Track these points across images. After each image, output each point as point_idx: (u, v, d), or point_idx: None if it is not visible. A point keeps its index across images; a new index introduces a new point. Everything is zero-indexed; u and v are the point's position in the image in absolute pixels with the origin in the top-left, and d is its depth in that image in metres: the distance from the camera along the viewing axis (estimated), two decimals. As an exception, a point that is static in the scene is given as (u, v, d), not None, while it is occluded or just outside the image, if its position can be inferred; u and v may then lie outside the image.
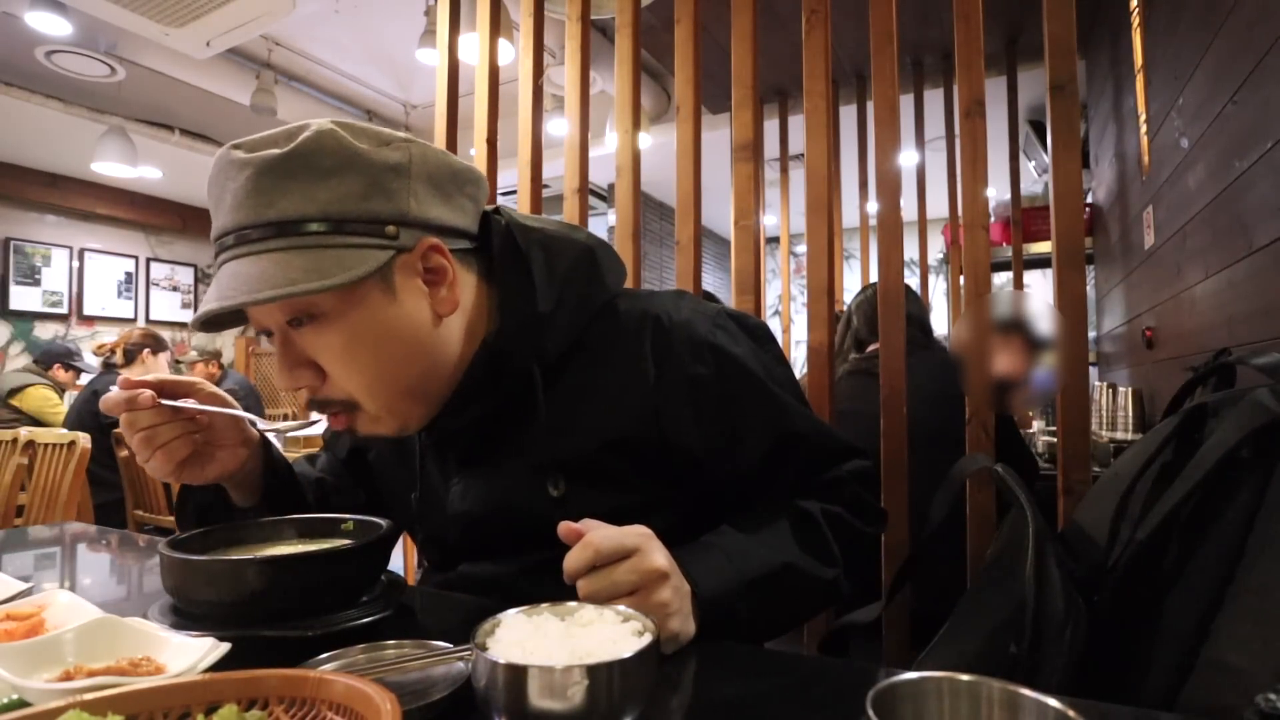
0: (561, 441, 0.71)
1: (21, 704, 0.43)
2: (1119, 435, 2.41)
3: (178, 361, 5.35)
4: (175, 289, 6.03)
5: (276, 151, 0.60)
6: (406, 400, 0.68)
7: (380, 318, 0.64)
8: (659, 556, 0.56)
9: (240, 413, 0.70)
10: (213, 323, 0.65)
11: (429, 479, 0.80)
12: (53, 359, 3.79)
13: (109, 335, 5.17)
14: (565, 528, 0.56)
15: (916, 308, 1.80)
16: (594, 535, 0.55)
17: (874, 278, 1.84)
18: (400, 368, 0.66)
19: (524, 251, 0.74)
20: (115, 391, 0.67)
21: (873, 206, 2.67)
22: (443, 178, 0.68)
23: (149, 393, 0.66)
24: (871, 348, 1.76)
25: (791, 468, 0.75)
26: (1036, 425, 2.67)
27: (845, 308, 1.98)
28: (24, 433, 2.26)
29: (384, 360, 0.65)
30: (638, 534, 0.57)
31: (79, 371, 3.84)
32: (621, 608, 0.49)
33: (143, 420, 0.68)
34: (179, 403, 0.68)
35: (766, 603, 0.64)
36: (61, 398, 3.68)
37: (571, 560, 0.54)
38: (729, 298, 1.37)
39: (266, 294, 0.57)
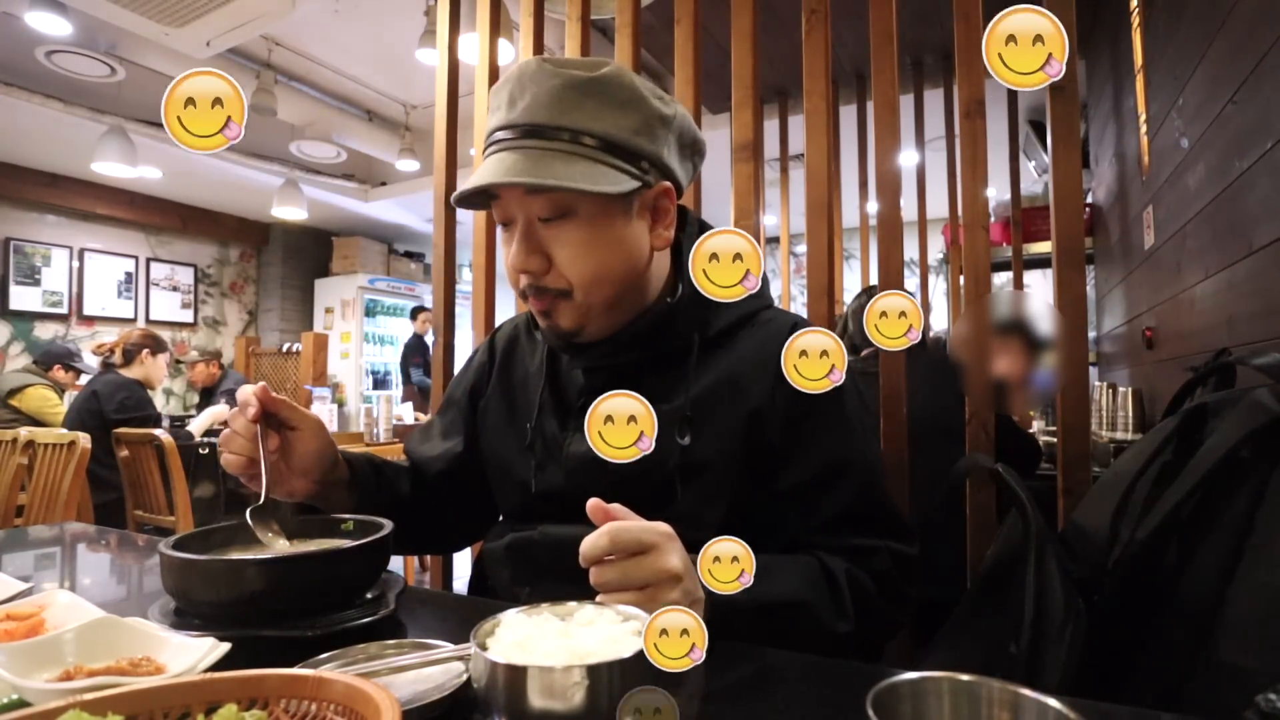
0: (697, 399, 0.78)
1: (21, 704, 0.43)
2: (1119, 435, 2.41)
3: (178, 361, 5.37)
4: (175, 289, 6.03)
5: (583, 74, 0.73)
6: (605, 306, 0.78)
7: (617, 230, 0.76)
8: (674, 558, 0.57)
9: (264, 489, 0.73)
10: (472, 200, 0.77)
11: (545, 426, 0.85)
12: (53, 359, 3.80)
13: (109, 335, 5.17)
14: (595, 504, 0.57)
15: None
16: (615, 526, 0.56)
17: (874, 278, 1.85)
18: (616, 274, 0.77)
19: None
20: (254, 388, 0.76)
21: (873, 206, 2.67)
22: (687, 141, 0.81)
23: (256, 409, 0.74)
24: (865, 352, 1.76)
25: (832, 504, 0.75)
26: (1036, 425, 2.67)
27: (844, 309, 1.98)
28: (24, 433, 2.26)
29: (608, 263, 0.76)
30: (658, 532, 0.57)
31: (79, 373, 3.84)
32: (622, 607, 0.49)
33: (239, 426, 0.75)
34: (260, 443, 0.75)
35: (773, 631, 0.63)
36: (61, 398, 3.68)
37: (589, 545, 0.55)
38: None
39: (553, 182, 0.69)
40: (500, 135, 0.74)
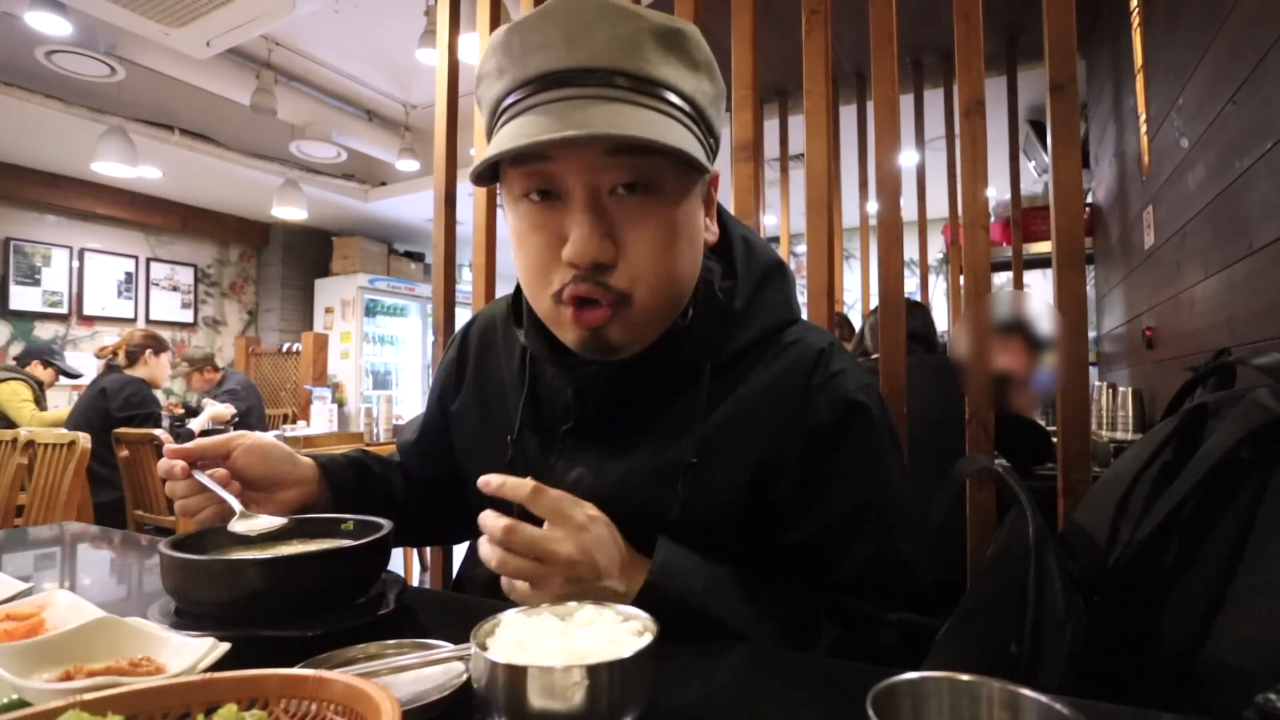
0: (704, 442, 0.66)
1: (21, 704, 0.42)
2: (1119, 435, 2.41)
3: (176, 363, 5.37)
4: (175, 289, 6.03)
5: (663, 23, 0.59)
6: (662, 315, 0.65)
7: (693, 217, 0.64)
8: (570, 545, 0.56)
9: (234, 503, 0.69)
10: (490, 172, 0.61)
11: (525, 443, 0.74)
12: (32, 355, 3.95)
13: (109, 335, 5.18)
14: (497, 480, 0.58)
15: (922, 325, 1.81)
16: (547, 488, 0.57)
17: (874, 278, 1.86)
18: (685, 275, 0.65)
19: (731, 239, 0.73)
20: (163, 460, 0.70)
21: (873, 206, 2.67)
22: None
23: (180, 466, 0.69)
24: (875, 356, 1.77)
25: (843, 568, 0.66)
26: (1036, 425, 2.67)
27: (855, 320, 2.00)
28: (24, 433, 2.27)
29: (681, 259, 0.63)
30: (574, 519, 0.57)
31: (59, 370, 4.00)
32: (621, 607, 0.49)
33: (179, 490, 0.71)
34: (204, 477, 0.70)
35: (693, 633, 0.58)
36: (42, 394, 3.78)
37: (514, 483, 0.57)
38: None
39: (681, 145, 0.56)
40: (554, 86, 0.58)
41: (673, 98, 0.59)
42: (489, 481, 0.57)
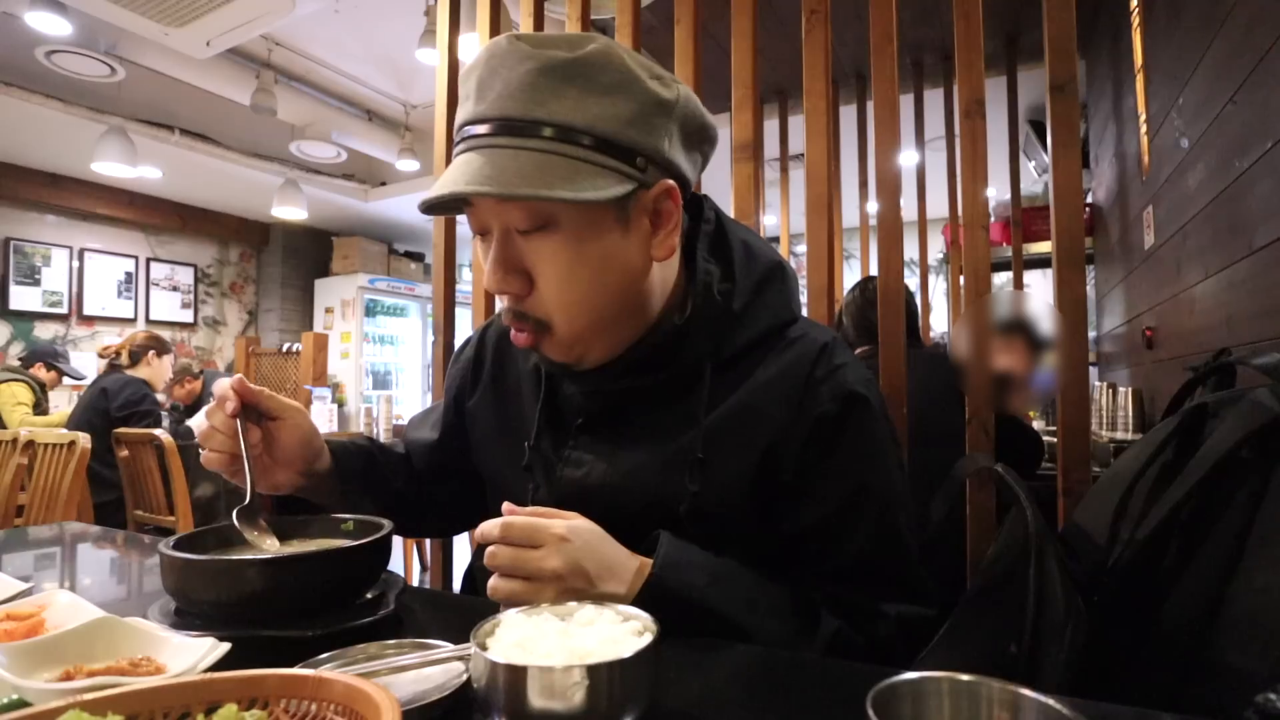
0: (709, 436, 0.69)
1: (21, 704, 0.42)
2: (1119, 435, 2.41)
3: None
4: (175, 289, 6.03)
5: (563, 54, 0.61)
6: (597, 334, 0.69)
7: (607, 244, 0.65)
8: (556, 559, 0.58)
9: (246, 485, 0.69)
10: (441, 206, 0.65)
11: (540, 441, 0.78)
12: (36, 357, 3.95)
13: (109, 335, 5.18)
14: (507, 507, 0.60)
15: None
16: (508, 520, 0.59)
17: (874, 278, 1.84)
18: (607, 299, 0.67)
19: (730, 242, 0.76)
20: (230, 380, 0.70)
21: (873, 206, 2.67)
22: (693, 128, 0.69)
23: (233, 405, 0.70)
24: (861, 350, 1.75)
25: (844, 553, 0.68)
26: (1037, 425, 2.67)
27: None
28: (24, 433, 2.27)
29: (597, 286, 0.66)
30: (550, 533, 0.58)
31: (61, 373, 3.99)
32: (621, 607, 0.49)
33: (215, 422, 0.71)
34: (243, 441, 0.70)
35: (696, 628, 0.59)
36: (44, 396, 3.77)
37: (483, 529, 0.59)
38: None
39: (525, 190, 0.59)
40: (469, 130, 0.63)
41: (565, 134, 0.61)
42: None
